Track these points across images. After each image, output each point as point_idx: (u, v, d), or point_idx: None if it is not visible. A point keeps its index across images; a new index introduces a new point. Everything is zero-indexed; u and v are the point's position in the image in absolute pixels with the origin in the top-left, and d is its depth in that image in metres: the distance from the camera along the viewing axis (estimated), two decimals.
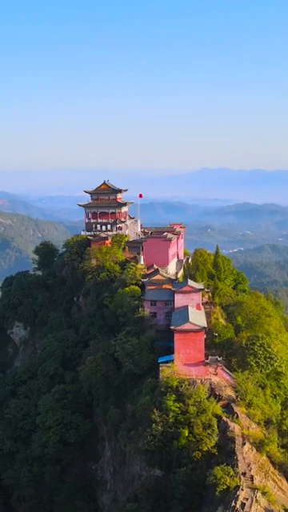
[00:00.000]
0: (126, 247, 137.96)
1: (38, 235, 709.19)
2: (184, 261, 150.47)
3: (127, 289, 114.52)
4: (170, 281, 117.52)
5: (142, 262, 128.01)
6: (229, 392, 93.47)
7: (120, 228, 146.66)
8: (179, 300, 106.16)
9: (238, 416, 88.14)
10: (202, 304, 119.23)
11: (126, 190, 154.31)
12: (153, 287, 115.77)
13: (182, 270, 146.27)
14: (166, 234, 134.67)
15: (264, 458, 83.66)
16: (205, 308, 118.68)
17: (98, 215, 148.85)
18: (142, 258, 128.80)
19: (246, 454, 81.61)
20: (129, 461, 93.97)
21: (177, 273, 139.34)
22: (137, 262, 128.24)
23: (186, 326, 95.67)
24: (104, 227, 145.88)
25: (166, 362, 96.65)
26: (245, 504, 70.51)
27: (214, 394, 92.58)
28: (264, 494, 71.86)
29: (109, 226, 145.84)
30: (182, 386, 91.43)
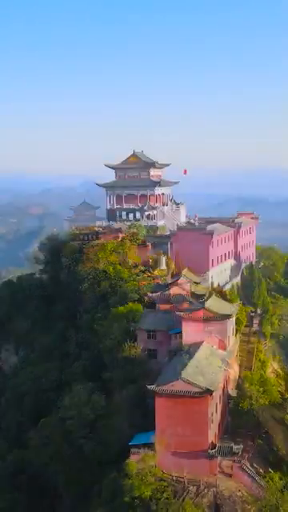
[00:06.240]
0: (149, 244, 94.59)
1: None
2: (243, 266, 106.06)
3: (122, 308, 73.60)
4: (196, 297, 75.01)
5: (164, 266, 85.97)
6: None
7: (152, 217, 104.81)
8: (189, 332, 64.03)
9: None
10: (250, 335, 76.30)
11: (167, 165, 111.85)
12: (167, 307, 74.29)
13: (239, 277, 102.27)
14: (209, 226, 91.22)
15: None
16: (249, 343, 75.27)
17: (123, 199, 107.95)
18: (163, 259, 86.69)
19: None
20: None
21: (226, 283, 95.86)
22: (157, 265, 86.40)
23: (177, 386, 53.29)
24: (132, 215, 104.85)
25: (144, 444, 55.19)
26: None
27: None
28: None
29: (138, 214, 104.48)
30: (159, 499, 49.88)
